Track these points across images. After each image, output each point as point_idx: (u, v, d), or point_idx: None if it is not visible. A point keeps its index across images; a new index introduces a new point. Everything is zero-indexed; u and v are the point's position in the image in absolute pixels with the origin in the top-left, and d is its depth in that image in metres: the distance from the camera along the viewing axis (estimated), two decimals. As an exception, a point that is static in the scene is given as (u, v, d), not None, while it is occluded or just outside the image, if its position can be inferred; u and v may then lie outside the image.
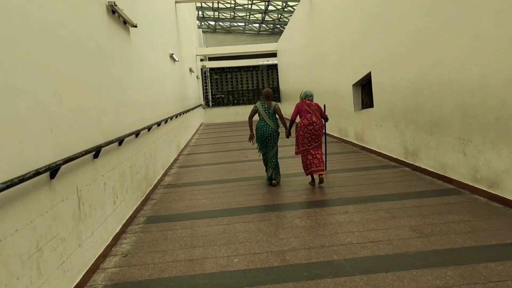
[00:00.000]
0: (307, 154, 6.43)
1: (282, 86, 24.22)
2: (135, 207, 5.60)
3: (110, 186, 4.52)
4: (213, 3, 30.57)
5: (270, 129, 6.74)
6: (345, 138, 11.20)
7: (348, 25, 10.12)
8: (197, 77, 21.75)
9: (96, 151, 4.02)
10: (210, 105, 26.41)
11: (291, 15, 31.98)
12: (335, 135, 12.17)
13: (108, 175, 4.49)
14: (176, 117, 10.92)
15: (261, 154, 7.07)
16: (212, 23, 37.00)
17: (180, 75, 13.60)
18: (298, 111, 6.52)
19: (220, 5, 31.12)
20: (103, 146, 4.13)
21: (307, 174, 6.56)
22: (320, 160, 6.39)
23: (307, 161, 6.44)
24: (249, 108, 25.78)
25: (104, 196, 4.27)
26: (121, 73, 5.54)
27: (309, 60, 15.11)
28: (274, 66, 26.67)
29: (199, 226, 4.92)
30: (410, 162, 7.19)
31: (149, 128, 6.86)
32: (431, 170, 6.46)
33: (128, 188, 5.35)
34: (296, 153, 6.61)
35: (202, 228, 4.85)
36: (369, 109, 9.23)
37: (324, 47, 12.71)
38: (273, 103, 6.85)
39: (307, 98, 6.58)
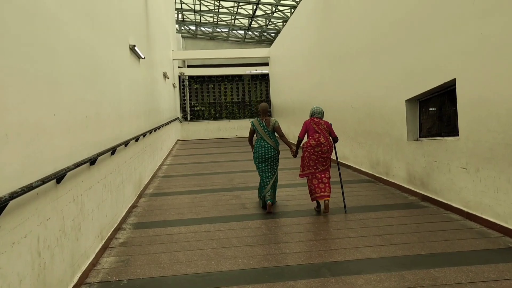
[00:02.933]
0: (313, 178, 5.86)
1: (275, 99, 20.77)
2: None
3: None
4: (195, 4, 27.08)
5: (270, 149, 6.15)
6: (384, 177, 7.71)
7: (401, 6, 6.73)
8: (173, 85, 18.08)
9: None
10: (188, 118, 22.72)
11: (281, 21, 28.82)
12: (363, 169, 8.70)
13: None
14: (137, 140, 7.25)
15: (260, 177, 6.27)
16: (193, 27, 33.47)
17: (149, 79, 9.95)
18: (306, 129, 5.96)
19: (203, 7, 27.63)
20: None
21: (312, 200, 5.96)
22: (326, 184, 5.82)
23: (312, 185, 5.87)
24: (233, 123, 22.29)
25: None
26: None
27: (319, 67, 11.70)
28: (263, 77, 23.26)
29: None
30: None
31: (59, 177, 3.22)
32: None
33: None
34: (301, 175, 6.06)
35: None
36: (445, 138, 5.78)
37: (347, 47, 9.31)
38: (272, 119, 6.26)
39: (315, 115, 5.98)
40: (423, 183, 6.36)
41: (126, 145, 6.26)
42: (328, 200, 5.73)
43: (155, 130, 10.07)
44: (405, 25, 6.62)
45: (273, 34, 32.95)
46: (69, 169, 3.44)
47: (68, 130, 3.68)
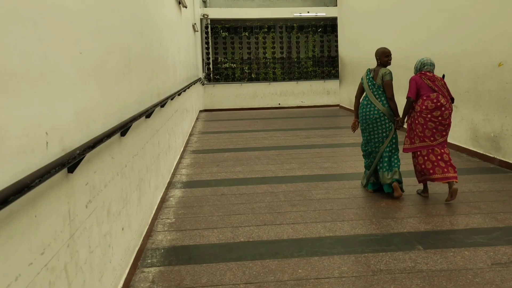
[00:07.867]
0: (429, 153, 4.39)
1: (352, 53, 14.01)
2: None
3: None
4: None
5: (374, 111, 4.55)
6: None
7: None
8: (193, 27, 11.68)
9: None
10: (212, 79, 16.43)
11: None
12: None
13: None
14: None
15: (363, 152, 4.81)
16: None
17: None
18: (416, 87, 4.46)
19: None
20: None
21: (421, 181, 4.55)
22: (448, 163, 4.33)
23: (429, 163, 4.36)
24: (274, 87, 15.97)
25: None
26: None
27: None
28: (318, 24, 16.57)
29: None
30: None
31: None
32: None
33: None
34: (406, 150, 4.57)
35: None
36: None
37: None
38: (383, 70, 4.55)
39: (425, 68, 4.47)
40: None
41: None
42: (456, 182, 4.30)
43: (148, 116, 3.93)
44: None
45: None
46: None
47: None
